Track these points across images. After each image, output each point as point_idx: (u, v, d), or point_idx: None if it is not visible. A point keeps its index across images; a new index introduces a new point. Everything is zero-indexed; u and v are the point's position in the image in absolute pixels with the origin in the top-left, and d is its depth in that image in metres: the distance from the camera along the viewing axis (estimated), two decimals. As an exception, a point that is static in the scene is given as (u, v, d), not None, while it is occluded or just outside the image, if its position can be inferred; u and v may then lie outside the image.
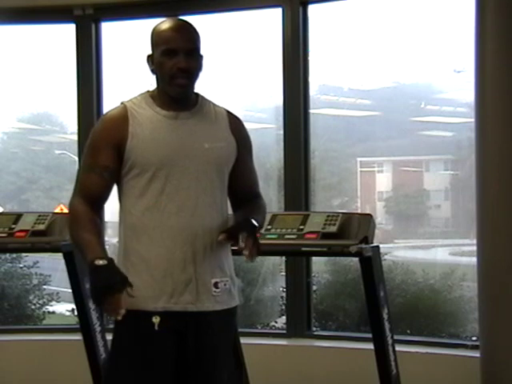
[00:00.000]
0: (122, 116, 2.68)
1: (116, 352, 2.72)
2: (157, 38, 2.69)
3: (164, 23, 2.70)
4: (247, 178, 2.83)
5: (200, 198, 2.67)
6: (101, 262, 2.51)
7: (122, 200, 2.72)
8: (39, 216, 4.34)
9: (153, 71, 2.72)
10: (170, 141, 2.67)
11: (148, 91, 2.76)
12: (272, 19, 5.16)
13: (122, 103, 2.73)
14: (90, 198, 2.66)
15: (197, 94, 2.76)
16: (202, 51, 2.72)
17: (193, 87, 2.72)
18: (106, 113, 2.75)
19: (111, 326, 5.12)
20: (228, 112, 2.81)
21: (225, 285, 2.72)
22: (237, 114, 2.85)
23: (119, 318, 2.49)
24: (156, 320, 2.62)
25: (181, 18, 2.79)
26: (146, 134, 2.65)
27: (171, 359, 2.66)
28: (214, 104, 2.80)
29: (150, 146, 2.64)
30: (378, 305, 3.87)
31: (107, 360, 2.74)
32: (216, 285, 2.70)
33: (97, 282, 2.49)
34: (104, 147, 2.65)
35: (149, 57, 2.72)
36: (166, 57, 2.64)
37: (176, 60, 2.63)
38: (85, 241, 2.60)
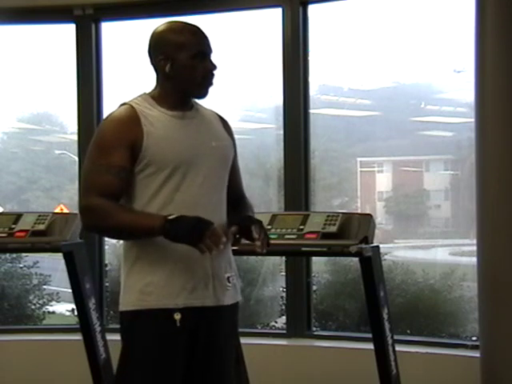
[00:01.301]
0: (133, 116, 2.67)
1: (132, 353, 2.68)
2: (180, 41, 2.67)
3: (177, 27, 2.71)
4: (237, 178, 2.90)
5: (211, 195, 2.71)
6: (173, 216, 2.54)
7: (132, 199, 2.69)
8: (39, 216, 4.34)
9: (169, 74, 2.70)
10: (182, 139, 2.69)
11: (145, 93, 2.76)
12: (272, 19, 5.16)
13: (124, 104, 2.72)
14: (107, 196, 2.61)
15: None
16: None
17: None
18: (113, 113, 2.71)
19: (111, 326, 5.16)
20: (217, 114, 2.87)
21: (233, 279, 2.78)
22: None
23: (222, 247, 2.52)
24: (177, 317, 2.63)
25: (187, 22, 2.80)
26: (160, 132, 2.67)
27: (187, 355, 2.67)
28: (203, 106, 2.85)
29: (165, 144, 2.65)
30: (378, 305, 3.87)
31: (122, 360, 2.71)
32: (228, 279, 2.75)
33: (189, 225, 2.52)
34: (118, 147, 2.63)
35: (162, 60, 2.69)
36: (197, 60, 2.68)
37: (207, 62, 2.70)
38: (133, 218, 2.60)
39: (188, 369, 2.69)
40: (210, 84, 2.73)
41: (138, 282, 2.67)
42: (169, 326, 2.63)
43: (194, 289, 2.66)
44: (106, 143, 2.66)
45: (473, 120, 4.28)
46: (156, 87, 2.76)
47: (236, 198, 2.85)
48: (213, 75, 2.73)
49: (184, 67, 2.69)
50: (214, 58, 2.74)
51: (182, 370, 2.67)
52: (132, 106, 2.70)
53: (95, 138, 2.70)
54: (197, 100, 2.81)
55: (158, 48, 2.71)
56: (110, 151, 2.64)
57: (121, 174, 2.63)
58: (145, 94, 2.76)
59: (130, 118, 2.67)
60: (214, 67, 2.72)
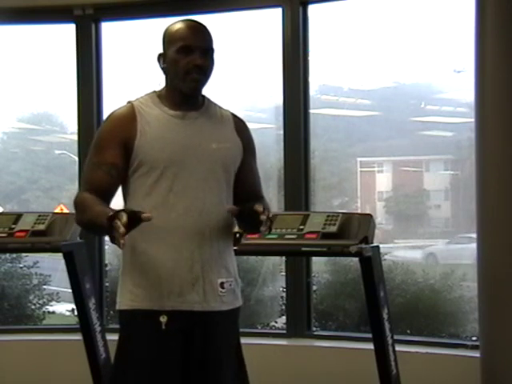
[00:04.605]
0: (130, 114, 2.68)
1: (123, 353, 2.70)
2: (172, 35, 2.70)
3: (179, 22, 2.73)
4: (251, 180, 2.84)
5: (207, 198, 2.68)
6: (110, 213, 2.39)
7: (127, 199, 2.71)
8: (39, 216, 4.34)
9: (163, 69, 2.74)
10: (178, 140, 2.68)
11: (155, 91, 2.77)
12: (272, 19, 5.16)
13: (128, 102, 2.74)
14: (96, 192, 2.63)
15: (203, 96, 2.79)
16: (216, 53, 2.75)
17: (204, 86, 2.74)
18: (113, 111, 2.74)
19: (111, 326, 5.16)
20: (233, 115, 2.84)
21: (230, 285, 2.73)
22: (241, 117, 2.87)
23: (121, 230, 2.32)
24: (163, 319, 2.62)
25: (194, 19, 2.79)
26: (155, 132, 2.66)
27: (177, 359, 2.65)
28: (219, 106, 2.82)
29: (158, 144, 2.65)
30: (378, 305, 3.87)
31: (114, 361, 2.73)
32: (222, 285, 2.71)
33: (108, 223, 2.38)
34: (111, 145, 2.65)
35: (160, 55, 2.74)
36: (182, 54, 2.66)
37: (192, 57, 2.66)
38: (94, 214, 2.51)
39: (187, 371, 2.67)
40: (195, 80, 2.67)
41: (129, 283, 2.68)
42: (155, 327, 2.62)
43: (182, 292, 2.65)
44: (100, 141, 2.70)
45: (473, 120, 4.28)
46: (164, 86, 2.78)
47: (249, 201, 2.76)
48: (198, 70, 2.66)
49: (170, 61, 2.70)
50: (208, 55, 2.68)
51: (178, 371, 2.65)
52: (132, 105, 2.71)
53: (95, 135, 2.75)
54: (213, 99, 2.80)
55: (161, 44, 2.75)
56: (103, 148, 2.67)
57: (111, 171, 2.64)
58: (153, 92, 2.78)
59: (126, 117, 2.68)
60: (198, 62, 2.65)
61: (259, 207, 2.52)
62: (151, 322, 2.63)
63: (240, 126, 2.83)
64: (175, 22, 2.74)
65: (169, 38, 2.72)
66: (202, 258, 2.66)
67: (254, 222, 2.54)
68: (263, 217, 2.51)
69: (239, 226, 2.74)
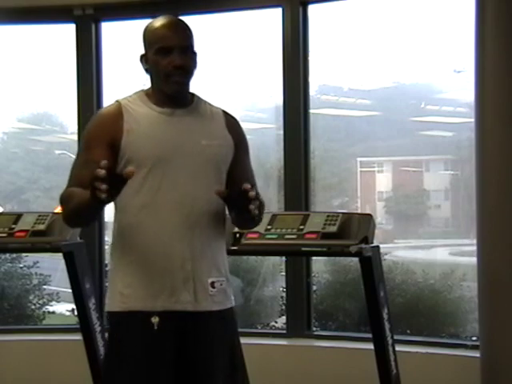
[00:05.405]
0: (116, 113, 2.66)
1: (113, 355, 2.67)
2: (150, 36, 2.69)
3: (156, 21, 2.71)
4: (245, 177, 2.76)
5: (197, 195, 2.65)
6: None
7: (116, 199, 2.68)
8: (39, 216, 4.34)
9: (147, 70, 2.72)
10: (166, 137, 2.65)
11: (143, 90, 2.76)
12: (272, 19, 5.16)
13: (116, 101, 2.72)
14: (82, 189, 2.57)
15: (192, 94, 2.76)
16: (197, 49, 2.72)
17: (188, 85, 2.71)
18: (100, 110, 2.76)
19: (111, 326, 5.13)
20: (224, 112, 2.80)
21: (221, 285, 2.70)
22: (233, 114, 2.84)
23: (102, 173, 2.28)
24: (155, 320, 2.59)
25: (172, 15, 2.77)
26: (142, 130, 2.64)
27: (169, 360, 2.62)
28: (209, 104, 2.79)
29: (146, 141, 2.62)
30: (378, 305, 3.87)
31: (103, 363, 2.71)
32: (213, 284, 2.67)
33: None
34: (98, 144, 2.62)
35: (142, 56, 2.73)
36: (161, 55, 2.64)
37: (171, 58, 2.63)
38: (79, 197, 2.48)
39: (179, 371, 2.64)
40: (176, 82, 2.64)
41: (119, 284, 2.65)
42: (147, 328, 2.59)
43: (174, 292, 2.61)
44: (87, 139, 2.69)
45: (473, 120, 4.28)
46: (150, 86, 2.76)
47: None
48: (179, 71, 2.63)
49: (151, 63, 2.68)
50: (188, 52, 2.64)
51: (170, 371, 2.61)
52: (119, 103, 2.69)
53: (82, 133, 2.74)
54: (203, 96, 2.77)
55: (142, 45, 2.74)
56: (89, 147, 2.65)
57: None
58: (141, 90, 2.76)
59: (113, 115, 2.66)
60: (178, 62, 2.62)
61: (247, 185, 2.46)
62: (143, 324, 2.59)
63: (231, 122, 2.79)
64: (153, 21, 2.72)
65: (147, 38, 2.70)
66: (192, 257, 2.63)
67: (243, 203, 2.47)
68: (252, 193, 2.45)
69: (230, 210, 2.67)
